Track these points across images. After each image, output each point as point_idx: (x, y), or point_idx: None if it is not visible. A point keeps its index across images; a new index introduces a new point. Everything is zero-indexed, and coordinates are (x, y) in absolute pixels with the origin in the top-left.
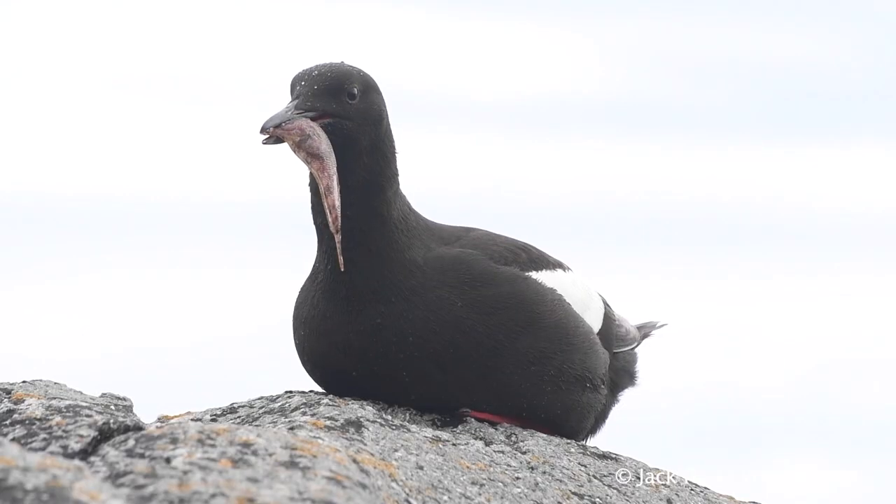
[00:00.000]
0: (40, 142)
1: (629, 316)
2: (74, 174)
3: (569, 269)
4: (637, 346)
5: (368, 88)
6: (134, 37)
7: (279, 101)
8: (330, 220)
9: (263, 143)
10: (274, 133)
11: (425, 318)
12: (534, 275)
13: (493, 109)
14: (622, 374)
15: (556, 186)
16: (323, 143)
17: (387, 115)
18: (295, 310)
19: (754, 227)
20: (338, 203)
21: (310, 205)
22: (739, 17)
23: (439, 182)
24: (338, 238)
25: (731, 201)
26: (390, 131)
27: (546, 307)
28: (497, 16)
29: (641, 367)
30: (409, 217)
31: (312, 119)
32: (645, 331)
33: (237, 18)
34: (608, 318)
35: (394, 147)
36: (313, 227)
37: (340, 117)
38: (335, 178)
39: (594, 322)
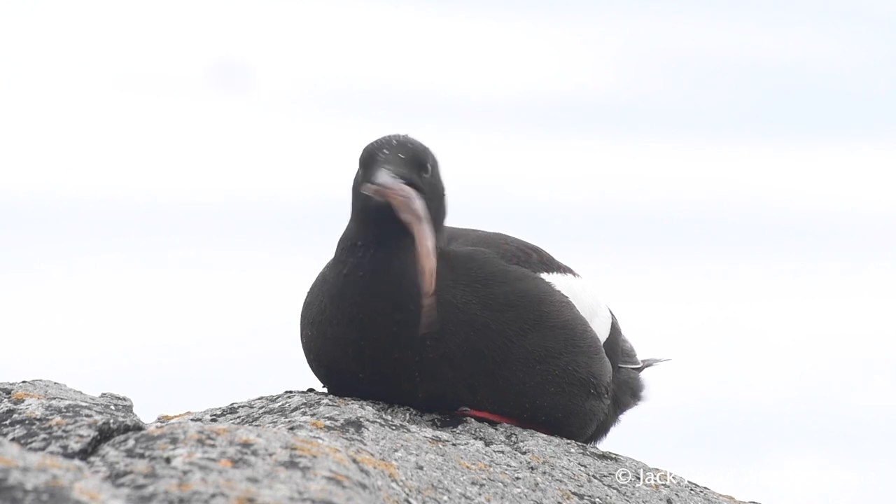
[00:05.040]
0: (40, 142)
1: (635, 339)
2: (74, 174)
3: (578, 275)
4: (641, 368)
5: (437, 164)
6: (134, 37)
7: (279, 101)
8: (426, 282)
9: (372, 205)
10: (380, 192)
11: (443, 320)
12: (544, 276)
13: (491, 109)
14: (625, 390)
15: (552, 186)
16: (423, 210)
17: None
18: (303, 308)
19: (753, 227)
20: (435, 266)
21: (346, 224)
22: (737, 17)
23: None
24: (429, 301)
25: (730, 201)
26: (446, 205)
27: (554, 307)
28: (497, 16)
29: (647, 390)
30: None
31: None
32: (647, 363)
33: (239, 18)
34: (615, 329)
35: (445, 217)
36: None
37: (418, 189)
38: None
39: (601, 330)
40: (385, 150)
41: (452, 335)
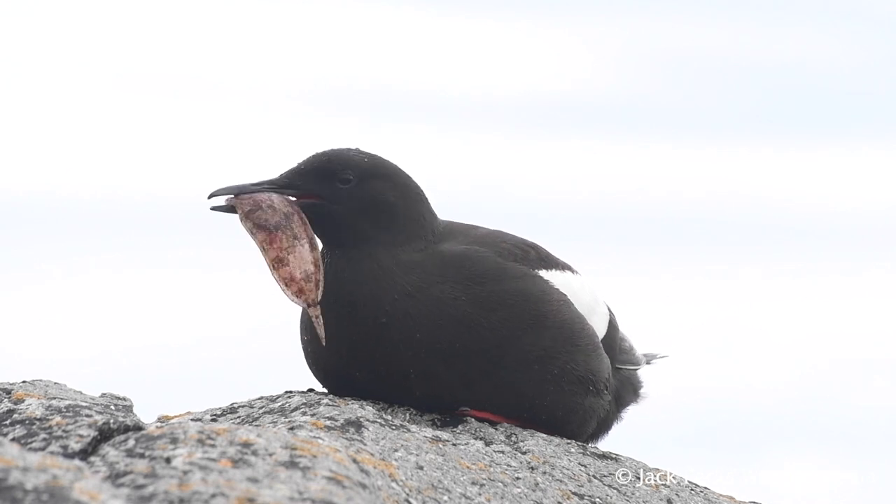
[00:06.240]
0: (40, 142)
1: (634, 336)
2: (74, 174)
3: (577, 272)
4: (639, 367)
5: (368, 176)
6: (134, 37)
7: (280, 100)
8: (288, 293)
9: (211, 209)
10: (228, 202)
11: (431, 314)
12: (542, 273)
13: (491, 109)
14: (627, 387)
15: (552, 186)
16: (276, 217)
17: (407, 197)
18: (302, 312)
19: (753, 227)
20: (299, 275)
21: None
22: (737, 17)
23: (437, 181)
24: (313, 312)
25: (730, 201)
26: (417, 207)
27: (552, 306)
28: (497, 16)
29: (646, 387)
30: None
31: (296, 196)
32: (647, 359)
33: (239, 18)
34: (612, 326)
35: (423, 217)
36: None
37: (329, 200)
38: (295, 249)
39: (599, 327)
40: (300, 163)
41: (442, 329)
